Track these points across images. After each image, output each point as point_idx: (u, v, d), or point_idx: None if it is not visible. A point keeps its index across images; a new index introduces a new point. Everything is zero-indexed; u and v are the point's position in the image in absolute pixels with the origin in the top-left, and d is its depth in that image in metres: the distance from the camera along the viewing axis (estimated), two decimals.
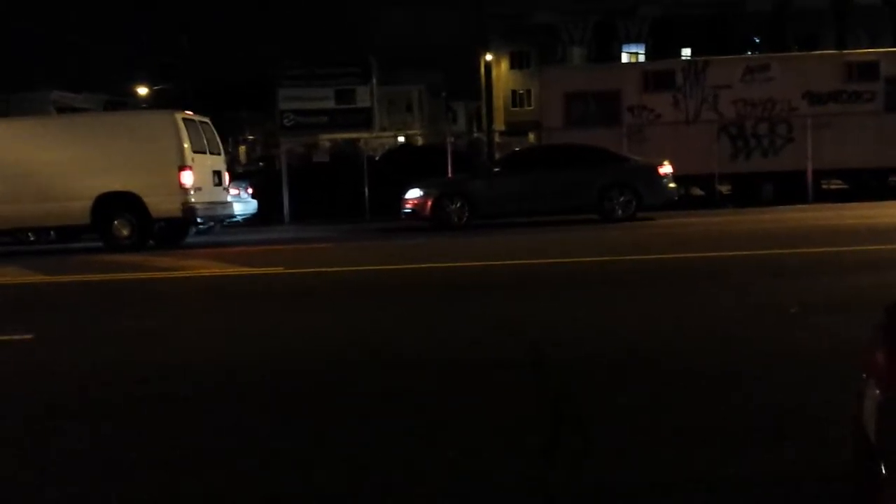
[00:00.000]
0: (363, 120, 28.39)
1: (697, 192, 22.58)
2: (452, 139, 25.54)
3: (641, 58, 45.29)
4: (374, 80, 28.79)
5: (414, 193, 16.95)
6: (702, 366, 4.56)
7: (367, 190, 22.18)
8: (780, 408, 3.70)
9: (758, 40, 42.62)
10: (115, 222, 14.95)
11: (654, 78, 22.03)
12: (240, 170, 29.03)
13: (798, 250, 9.82)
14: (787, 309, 5.98)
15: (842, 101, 21.21)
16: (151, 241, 15.41)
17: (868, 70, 21.27)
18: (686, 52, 42.10)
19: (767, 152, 21.40)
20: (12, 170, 14.92)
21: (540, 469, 3.04)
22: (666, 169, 16.74)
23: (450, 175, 20.80)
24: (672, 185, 16.95)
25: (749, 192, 21.35)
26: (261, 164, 34.56)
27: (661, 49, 43.71)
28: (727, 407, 3.77)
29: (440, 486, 2.97)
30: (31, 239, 18.57)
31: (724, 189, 22.14)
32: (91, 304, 8.37)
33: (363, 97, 28.29)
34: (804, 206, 19.28)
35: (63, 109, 41.91)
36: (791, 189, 20.84)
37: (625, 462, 3.12)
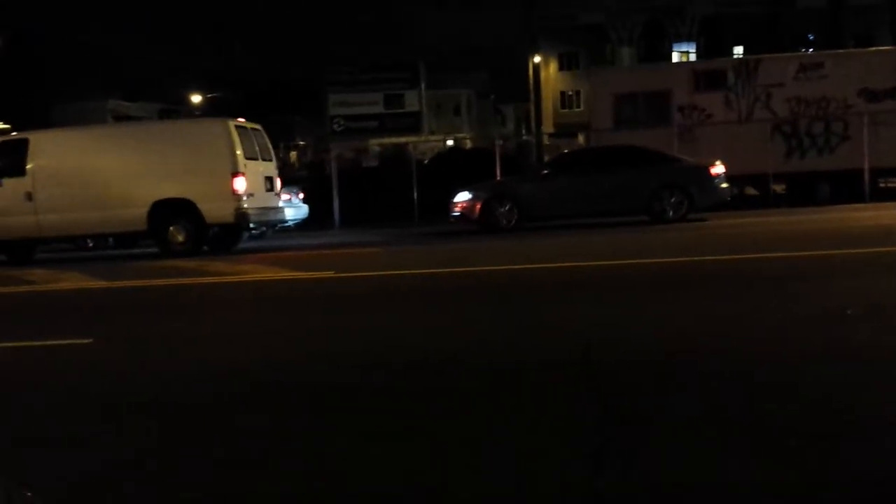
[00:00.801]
0: (412, 124, 28.56)
1: (751, 192, 22.26)
2: (501, 142, 25.56)
3: (692, 57, 44.83)
4: (423, 84, 28.93)
5: (463, 197, 17.00)
6: (754, 367, 4.51)
7: (415, 194, 22.30)
8: (835, 411, 3.64)
9: (812, 37, 41.87)
10: (171, 228, 15.24)
11: (704, 77, 21.80)
12: (302, 174, 29.26)
13: (855, 250, 9.62)
14: (843, 310, 5.87)
15: None
16: (206, 247, 15.67)
17: None
18: (738, 51, 41.55)
19: (823, 151, 21.03)
20: (72, 178, 15.32)
21: (590, 471, 3.04)
22: (718, 169, 16.54)
23: (498, 178, 20.82)
24: (724, 185, 16.73)
25: (804, 191, 20.98)
26: (307, 170, 34.83)
27: (712, 48, 43.25)
28: (780, 409, 3.71)
29: (488, 487, 2.99)
30: (90, 245, 19.03)
31: (779, 189, 21.79)
32: (147, 309, 8.56)
33: (412, 101, 28.45)
34: (861, 205, 18.87)
35: (119, 118, 42.83)
36: (848, 188, 20.43)
37: (675, 465, 3.10)
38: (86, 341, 6.39)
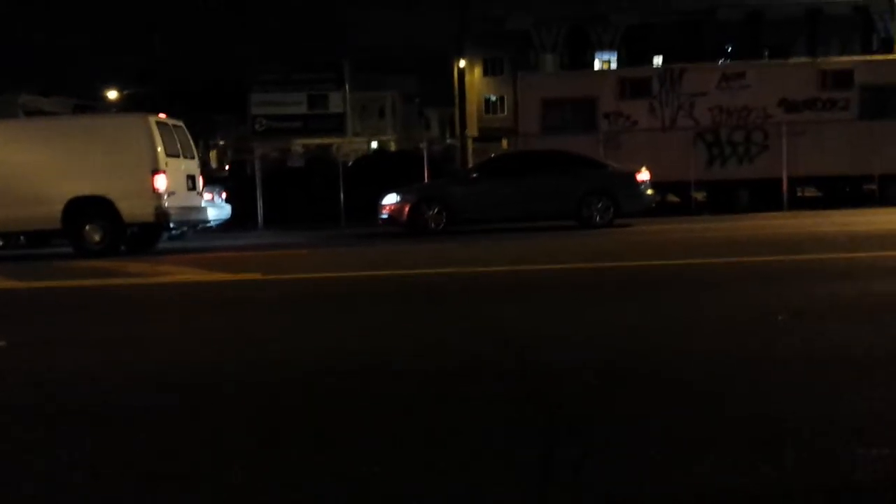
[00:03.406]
0: (336, 125, 28.28)
1: (673, 199, 22.66)
2: (425, 145, 25.51)
3: (613, 65, 45.57)
4: (347, 86, 28.67)
5: (391, 199, 16.85)
6: (692, 373, 4.47)
7: (342, 195, 22.06)
8: (774, 417, 3.62)
9: (730, 49, 42.99)
10: (87, 227, 14.71)
11: (630, 85, 22.11)
12: (224, 173, 28.69)
13: (778, 258, 9.82)
14: (773, 316, 5.92)
15: (817, 109, 21.40)
16: (123, 247, 15.16)
17: (843, 78, 21.48)
18: (658, 60, 42.37)
19: (743, 160, 21.55)
20: None
21: (537, 480, 2.93)
22: (644, 176, 16.77)
23: (426, 181, 20.73)
24: (650, 191, 16.98)
25: (725, 199, 21.44)
26: (226, 168, 34.08)
27: (633, 56, 44.05)
28: (721, 416, 3.68)
29: (432, 499, 2.85)
30: (0, 244, 18.25)
31: (700, 196, 22.23)
32: (64, 311, 8.16)
33: (336, 102, 28.17)
34: (780, 213, 19.38)
35: (31, 113, 41.34)
36: (766, 196, 20.97)
37: (624, 473, 3.01)
38: None
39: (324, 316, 7.12)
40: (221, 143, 57.27)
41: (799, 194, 22.51)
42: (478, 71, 56.65)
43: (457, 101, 45.88)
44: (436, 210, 16.61)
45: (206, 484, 3.12)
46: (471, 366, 4.86)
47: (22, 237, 17.41)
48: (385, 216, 16.93)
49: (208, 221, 18.09)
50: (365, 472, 3.15)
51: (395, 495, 2.93)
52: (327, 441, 3.57)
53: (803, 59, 27.05)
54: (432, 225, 16.54)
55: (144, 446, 3.61)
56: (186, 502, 2.96)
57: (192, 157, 16.32)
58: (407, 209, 16.62)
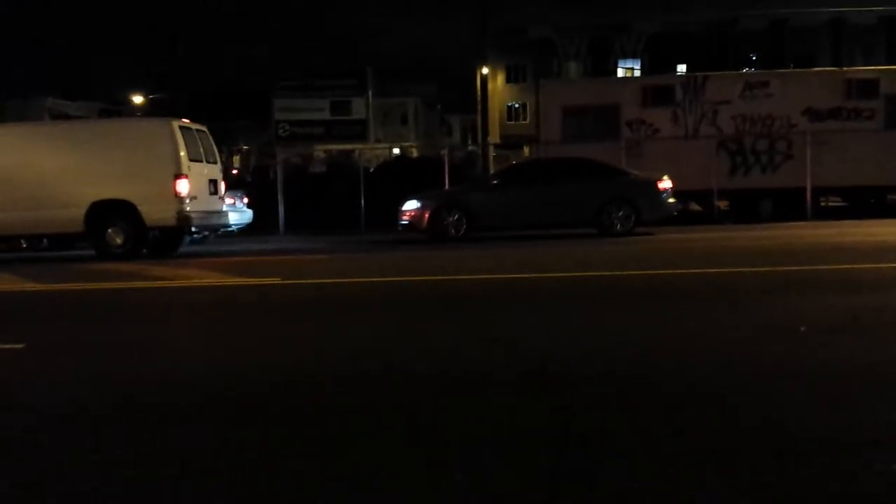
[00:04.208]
0: (358, 131, 28.31)
1: (695, 207, 22.50)
2: (445, 151, 25.52)
3: (637, 73, 45.43)
4: (370, 92, 28.71)
5: (411, 205, 16.84)
6: (711, 385, 4.42)
7: (362, 201, 22.09)
8: (786, 427, 3.57)
9: (754, 57, 42.76)
10: (109, 230, 14.81)
11: (653, 93, 21.99)
12: (248, 178, 28.74)
13: (801, 268, 9.71)
14: (796, 328, 5.84)
15: (841, 119, 21.18)
16: (145, 251, 15.25)
17: (868, 87, 21.26)
18: (681, 69, 42.18)
19: (766, 168, 21.35)
20: (6, 176, 14.78)
21: (549, 492, 2.90)
22: (666, 184, 16.65)
23: (447, 187, 20.72)
24: (671, 200, 16.87)
25: (747, 208, 21.26)
26: (248, 178, 34.08)
27: (656, 65, 43.88)
28: (738, 428, 3.63)
29: None
30: (24, 246, 18.41)
31: (723, 205, 22.06)
32: (85, 313, 8.20)
33: (358, 108, 28.22)
34: (803, 223, 19.19)
35: (57, 117, 41.76)
36: (790, 206, 20.78)
37: (635, 481, 2.98)
38: (18, 346, 6.06)
39: (340, 320, 7.11)
40: (245, 147, 57.55)
41: (823, 204, 22.30)
42: (500, 78, 56.56)
43: (479, 107, 45.80)
44: (456, 217, 16.59)
45: (213, 485, 3.12)
46: (485, 372, 4.83)
47: (45, 240, 17.56)
48: (405, 222, 16.92)
49: (230, 226, 18.15)
50: (373, 475, 3.14)
51: (403, 499, 2.91)
52: (336, 444, 3.56)
53: (828, 68, 26.83)
54: (452, 231, 16.51)
55: (151, 448, 3.61)
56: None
57: (215, 162, 16.40)
58: (427, 215, 16.60)
